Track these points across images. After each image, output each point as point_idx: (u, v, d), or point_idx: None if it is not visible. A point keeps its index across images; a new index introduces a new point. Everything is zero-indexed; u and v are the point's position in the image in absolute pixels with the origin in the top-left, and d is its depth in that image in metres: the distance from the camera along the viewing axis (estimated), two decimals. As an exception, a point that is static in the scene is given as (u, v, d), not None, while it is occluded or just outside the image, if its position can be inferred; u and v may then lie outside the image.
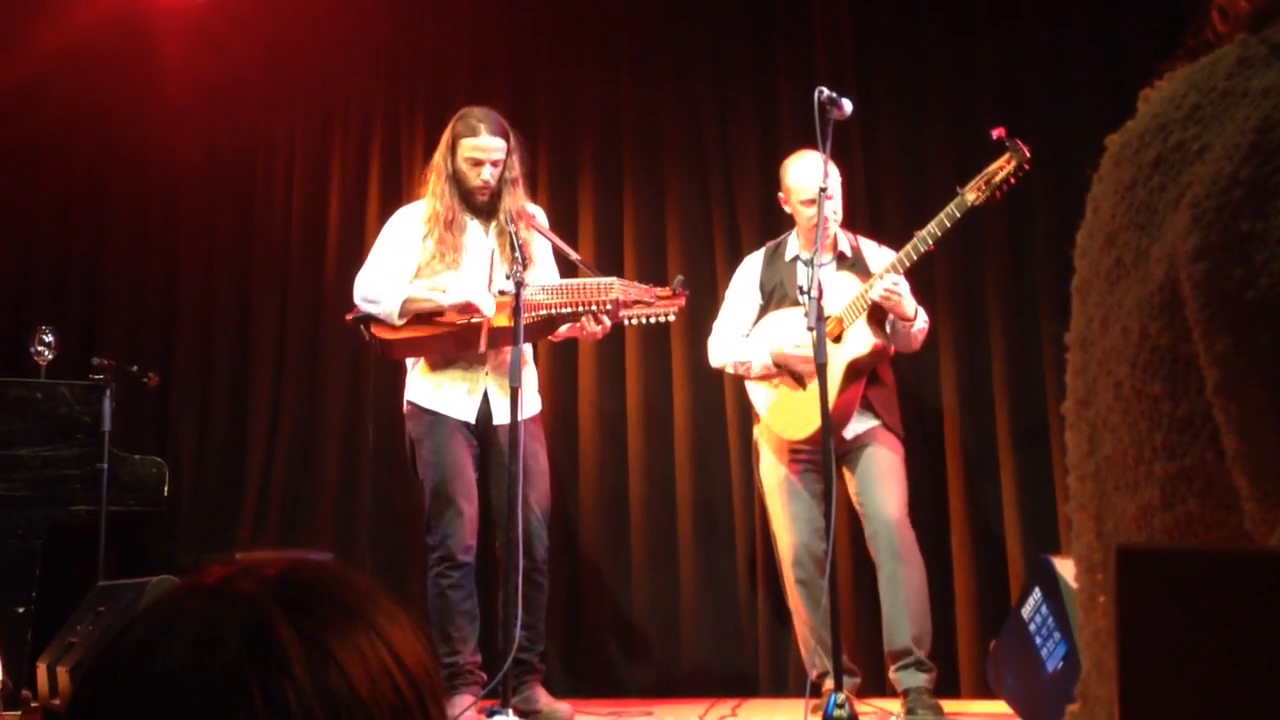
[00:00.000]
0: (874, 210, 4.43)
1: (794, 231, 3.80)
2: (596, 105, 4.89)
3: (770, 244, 3.89)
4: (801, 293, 3.28)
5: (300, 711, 0.59)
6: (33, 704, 3.76)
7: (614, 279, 3.58)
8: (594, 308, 3.52)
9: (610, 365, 4.69)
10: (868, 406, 3.61)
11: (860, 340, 3.53)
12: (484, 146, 3.63)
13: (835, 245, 3.71)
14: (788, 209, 3.76)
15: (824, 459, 3.17)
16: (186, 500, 5.00)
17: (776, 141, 4.49)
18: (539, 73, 4.97)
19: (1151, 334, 0.62)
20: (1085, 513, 0.68)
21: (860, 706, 3.38)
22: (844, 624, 3.52)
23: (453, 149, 3.66)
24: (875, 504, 3.55)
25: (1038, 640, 2.86)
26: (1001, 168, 3.43)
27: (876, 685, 3.87)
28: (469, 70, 5.04)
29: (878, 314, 3.56)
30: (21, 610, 4.06)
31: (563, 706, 3.61)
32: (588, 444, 4.66)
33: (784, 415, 3.63)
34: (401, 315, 3.60)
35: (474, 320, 3.56)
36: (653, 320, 3.57)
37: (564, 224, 4.45)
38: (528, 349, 3.74)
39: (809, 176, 3.52)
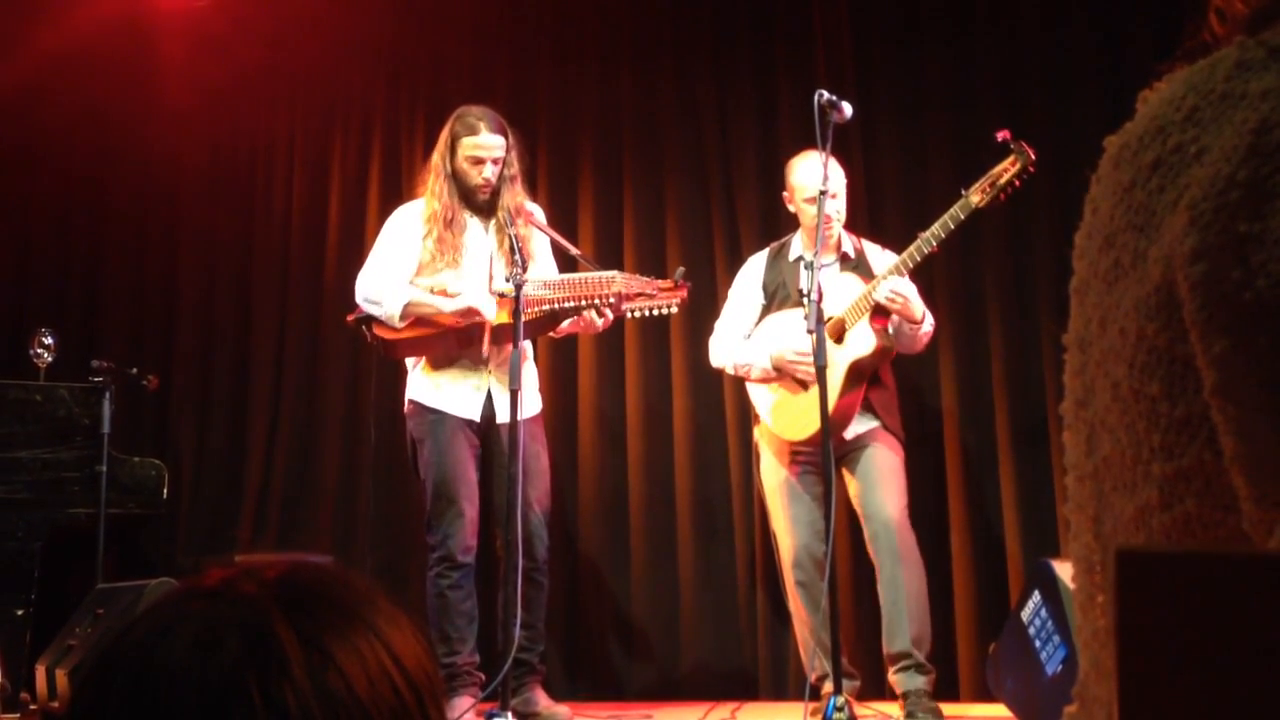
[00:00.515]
0: (874, 212, 4.43)
1: (798, 232, 3.80)
2: (596, 106, 4.89)
3: (774, 245, 3.90)
4: (803, 295, 3.28)
5: (299, 713, 0.59)
6: (31, 706, 3.76)
7: (616, 272, 3.59)
8: (596, 301, 3.52)
9: (610, 366, 4.69)
10: (868, 408, 3.61)
11: (863, 341, 3.53)
12: (484, 145, 3.63)
13: (839, 246, 3.71)
14: (792, 208, 3.77)
15: (824, 461, 3.17)
16: (186, 503, 5.00)
17: (776, 143, 4.50)
18: (539, 73, 4.98)
19: (1149, 335, 0.62)
20: (1083, 513, 0.68)
21: (860, 709, 3.38)
22: (844, 626, 3.52)
23: (452, 148, 3.66)
24: (875, 506, 3.55)
25: (1037, 643, 2.86)
26: (1006, 170, 3.43)
27: (876, 688, 3.87)
28: (469, 71, 5.05)
29: (881, 314, 3.56)
30: (20, 612, 4.06)
31: (562, 709, 3.61)
32: (587, 445, 4.65)
33: (785, 416, 3.63)
34: (403, 318, 3.60)
35: (477, 320, 3.56)
36: (655, 313, 3.58)
37: (564, 224, 4.45)
38: (528, 347, 3.75)
39: (815, 175, 3.52)
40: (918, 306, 3.51)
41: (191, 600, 0.64)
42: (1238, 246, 0.58)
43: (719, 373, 3.98)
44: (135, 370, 4.55)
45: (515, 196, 3.67)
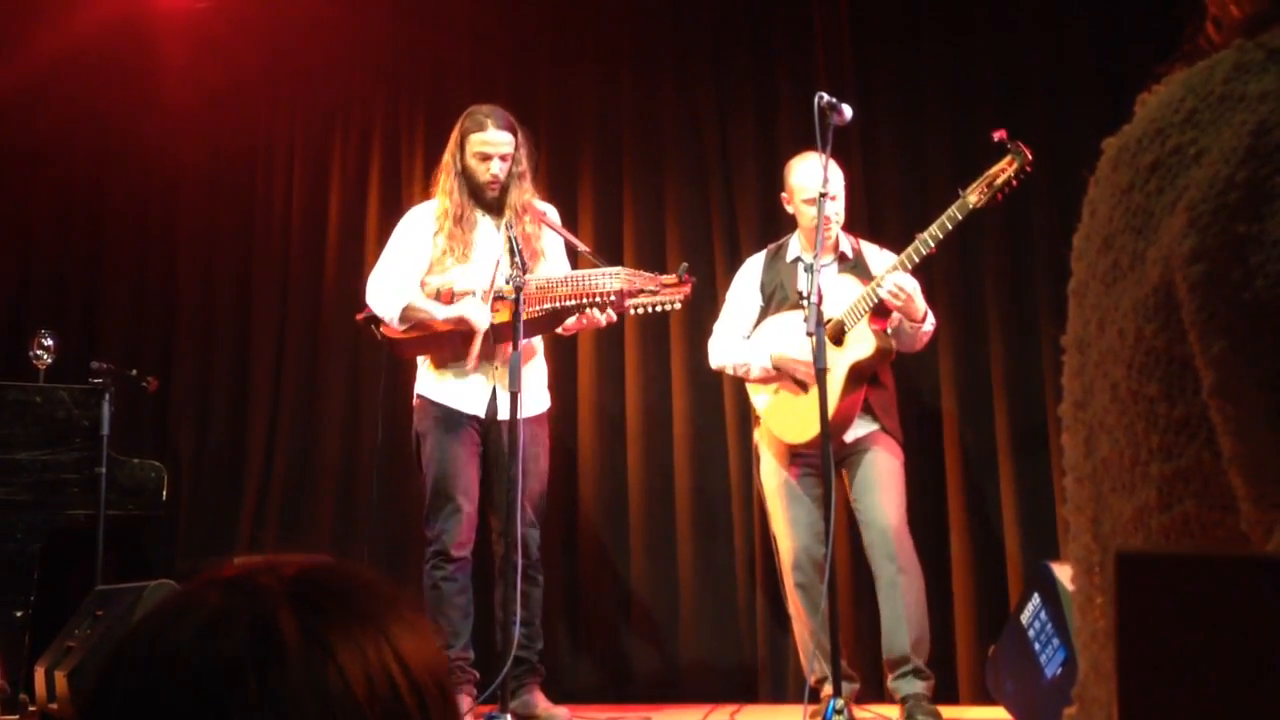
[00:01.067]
0: (873, 213, 4.43)
1: (796, 233, 3.80)
2: (596, 108, 4.89)
3: (772, 246, 3.90)
4: (802, 297, 3.28)
5: (291, 705, 0.60)
6: (30, 708, 3.76)
7: (619, 268, 3.60)
8: (598, 299, 3.53)
9: (610, 367, 4.69)
10: (867, 410, 3.60)
11: (863, 343, 3.52)
12: (491, 141, 3.66)
13: (836, 246, 3.71)
14: (790, 209, 3.77)
15: (824, 463, 3.17)
16: (185, 504, 4.99)
17: (776, 145, 4.50)
18: (539, 75, 4.98)
19: (1147, 336, 0.62)
20: (1082, 514, 0.68)
21: (859, 712, 3.38)
22: (843, 629, 3.51)
23: (461, 145, 3.71)
24: (873, 512, 3.54)
25: (1037, 646, 2.86)
26: (1003, 170, 3.43)
27: (875, 691, 3.87)
28: (469, 72, 5.05)
29: (881, 316, 3.56)
30: (20, 614, 4.06)
31: (561, 711, 3.61)
32: (587, 445, 4.66)
33: (785, 418, 3.63)
34: (402, 321, 3.63)
35: (467, 329, 3.58)
36: (658, 309, 3.59)
37: (564, 225, 4.44)
38: (538, 343, 3.78)
39: (813, 176, 3.52)
40: (920, 304, 3.50)
41: (208, 589, 0.66)
42: (1236, 247, 0.58)
43: (719, 374, 3.98)
44: (135, 372, 4.56)
45: (524, 194, 3.70)
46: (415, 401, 3.75)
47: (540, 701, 3.60)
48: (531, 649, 3.61)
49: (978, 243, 4.27)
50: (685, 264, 3.67)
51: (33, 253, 5.41)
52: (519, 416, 3.31)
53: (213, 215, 5.28)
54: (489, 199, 3.70)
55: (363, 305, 3.81)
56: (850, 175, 4.05)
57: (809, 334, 3.14)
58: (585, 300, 3.53)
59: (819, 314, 3.14)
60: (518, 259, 3.41)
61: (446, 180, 3.72)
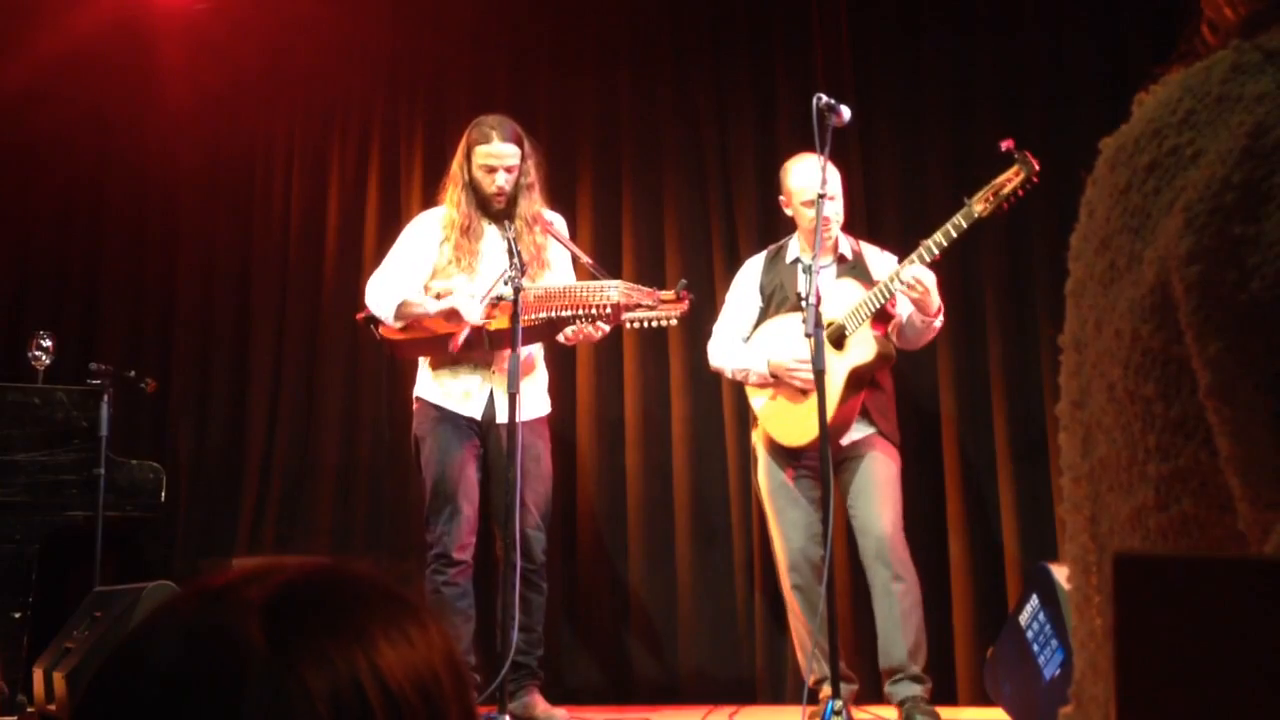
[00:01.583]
0: (872, 217, 4.43)
1: (795, 234, 3.79)
2: (595, 112, 4.89)
3: (771, 247, 3.89)
4: (801, 299, 3.27)
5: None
6: (29, 709, 3.76)
7: (617, 282, 3.59)
8: (593, 311, 3.52)
9: (609, 371, 4.69)
10: (864, 413, 3.59)
11: (864, 348, 3.52)
12: (497, 153, 3.66)
13: (836, 248, 3.70)
14: (789, 212, 3.76)
15: (822, 466, 3.16)
16: (184, 505, 4.99)
17: (775, 148, 4.49)
18: (538, 79, 4.98)
19: (1144, 336, 0.62)
20: (1080, 514, 0.68)
21: (857, 714, 3.38)
22: (841, 631, 3.51)
23: (468, 156, 3.71)
24: (868, 519, 3.53)
25: (1035, 647, 2.86)
26: (1010, 179, 3.41)
27: (874, 692, 3.87)
28: (468, 76, 5.05)
29: (882, 320, 3.55)
30: (18, 615, 4.06)
31: (560, 713, 3.60)
32: (586, 449, 4.65)
33: (783, 421, 3.62)
34: (397, 318, 3.62)
35: (460, 324, 3.57)
36: (655, 324, 3.58)
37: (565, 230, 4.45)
38: (538, 352, 3.77)
39: (810, 178, 3.51)
40: (936, 298, 3.48)
41: (190, 600, 0.65)
42: (1233, 249, 0.58)
43: (717, 377, 3.97)
44: (133, 373, 4.55)
45: (532, 205, 3.69)
46: (415, 404, 3.75)
47: (539, 704, 3.59)
48: (531, 655, 3.60)
49: (976, 245, 4.27)
50: (684, 280, 3.66)
51: (32, 253, 5.41)
52: (518, 418, 3.31)
53: (212, 216, 5.28)
54: (496, 210, 3.70)
55: (362, 306, 3.81)
56: (849, 177, 4.05)
57: (807, 335, 3.13)
58: (581, 311, 3.52)
59: (817, 315, 3.14)
60: (516, 259, 3.41)
61: (454, 190, 3.72)
